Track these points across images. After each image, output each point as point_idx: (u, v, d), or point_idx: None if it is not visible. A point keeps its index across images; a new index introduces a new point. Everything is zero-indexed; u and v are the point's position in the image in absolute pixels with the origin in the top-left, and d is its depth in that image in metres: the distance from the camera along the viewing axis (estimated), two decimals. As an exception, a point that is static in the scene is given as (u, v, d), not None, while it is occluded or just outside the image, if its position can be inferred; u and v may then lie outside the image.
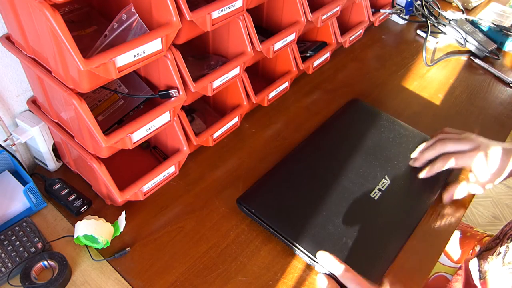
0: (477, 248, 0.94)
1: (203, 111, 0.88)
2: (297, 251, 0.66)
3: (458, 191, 0.73)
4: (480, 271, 0.75)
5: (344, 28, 1.09)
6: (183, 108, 0.72)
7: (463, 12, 1.26)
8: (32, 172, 0.77)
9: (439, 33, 1.21)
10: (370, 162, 0.77)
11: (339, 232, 0.66)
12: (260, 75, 0.99)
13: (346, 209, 0.69)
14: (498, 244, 0.73)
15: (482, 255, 0.76)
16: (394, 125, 0.86)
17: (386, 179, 0.75)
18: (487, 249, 0.75)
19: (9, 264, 0.62)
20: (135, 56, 0.55)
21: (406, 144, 0.82)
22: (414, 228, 0.70)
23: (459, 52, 1.17)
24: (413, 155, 0.78)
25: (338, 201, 0.70)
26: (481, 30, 1.18)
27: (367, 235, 0.67)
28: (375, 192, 0.73)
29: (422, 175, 0.74)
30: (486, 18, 1.26)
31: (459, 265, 0.94)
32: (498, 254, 0.71)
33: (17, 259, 0.63)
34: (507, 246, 0.70)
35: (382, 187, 0.74)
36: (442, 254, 0.97)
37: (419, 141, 0.81)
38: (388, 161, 0.78)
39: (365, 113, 0.89)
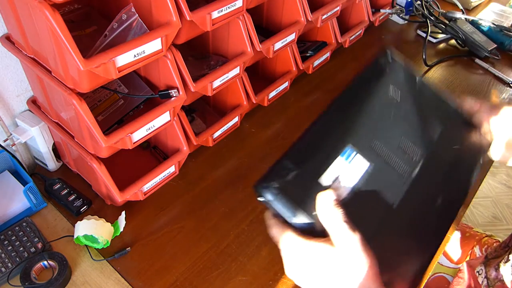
0: (476, 249, 0.94)
1: (203, 111, 0.88)
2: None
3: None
4: (487, 278, 0.74)
5: (344, 28, 1.09)
6: (183, 108, 0.72)
7: (463, 12, 1.26)
8: (32, 172, 0.77)
9: (439, 33, 1.21)
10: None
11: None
12: (260, 75, 0.99)
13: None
14: (507, 252, 0.72)
15: (489, 262, 0.75)
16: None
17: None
18: (495, 256, 0.74)
19: (9, 264, 0.62)
20: (135, 56, 0.55)
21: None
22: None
23: (459, 52, 1.17)
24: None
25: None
26: (481, 30, 1.18)
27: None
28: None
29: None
30: (486, 18, 1.26)
31: (458, 266, 0.94)
32: (506, 262, 0.71)
33: (17, 259, 0.63)
34: None
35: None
36: (442, 254, 0.97)
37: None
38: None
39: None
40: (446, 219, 0.60)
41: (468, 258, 0.93)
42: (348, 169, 0.56)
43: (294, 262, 0.47)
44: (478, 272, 0.77)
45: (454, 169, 0.64)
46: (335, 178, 0.55)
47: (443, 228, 0.60)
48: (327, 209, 0.48)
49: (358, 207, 0.54)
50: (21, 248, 0.64)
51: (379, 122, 0.64)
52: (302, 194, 0.52)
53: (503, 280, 0.70)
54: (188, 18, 0.59)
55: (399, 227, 0.56)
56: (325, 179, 0.54)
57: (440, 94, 0.71)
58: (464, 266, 0.89)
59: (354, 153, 0.58)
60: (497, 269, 0.71)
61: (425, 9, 1.20)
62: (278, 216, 0.52)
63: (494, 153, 0.67)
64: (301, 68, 0.94)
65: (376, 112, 0.65)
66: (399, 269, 0.53)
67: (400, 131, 0.64)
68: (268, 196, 0.52)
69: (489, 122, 0.67)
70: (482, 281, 0.75)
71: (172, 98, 0.66)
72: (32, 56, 0.60)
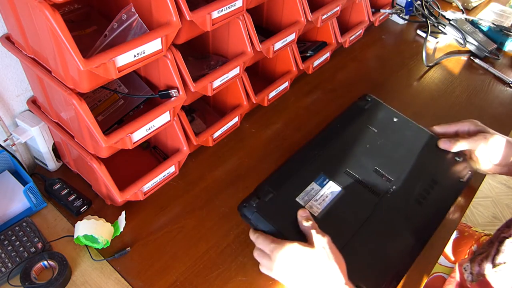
0: (475, 248, 0.94)
1: (203, 111, 0.88)
2: None
3: (458, 147, 0.76)
4: (471, 273, 0.75)
5: (344, 28, 1.09)
6: (183, 108, 0.72)
7: (463, 12, 1.26)
8: (32, 172, 0.77)
9: (439, 33, 1.21)
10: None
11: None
12: (260, 75, 0.99)
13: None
14: (491, 247, 0.73)
15: (475, 259, 0.76)
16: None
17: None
18: (481, 253, 0.75)
19: (9, 264, 0.62)
20: (135, 56, 0.55)
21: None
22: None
23: (459, 52, 1.17)
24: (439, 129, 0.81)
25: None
26: (481, 30, 1.18)
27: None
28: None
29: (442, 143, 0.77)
30: (486, 18, 1.26)
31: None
32: (488, 257, 0.72)
33: (17, 259, 0.63)
34: (497, 249, 0.71)
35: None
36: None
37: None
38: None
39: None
40: (423, 234, 0.67)
41: (466, 257, 0.93)
42: (321, 192, 0.67)
43: (282, 264, 0.57)
44: (464, 268, 0.78)
45: (432, 190, 0.72)
46: (309, 199, 0.67)
47: (421, 241, 0.66)
48: (302, 220, 0.61)
49: (332, 220, 0.65)
50: (21, 248, 0.64)
51: (355, 151, 0.75)
52: (278, 211, 0.65)
53: (484, 274, 0.70)
54: (188, 18, 0.59)
55: (372, 237, 0.64)
56: (301, 199, 0.67)
57: (417, 125, 0.81)
58: (456, 266, 0.89)
59: (327, 180, 0.70)
60: (480, 264, 0.72)
61: (425, 9, 1.20)
62: (258, 230, 0.64)
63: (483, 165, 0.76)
64: (301, 68, 0.94)
65: (353, 143, 0.77)
66: (369, 274, 0.60)
67: (377, 157, 0.74)
68: (248, 214, 0.65)
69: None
70: (467, 277, 0.76)
71: (172, 98, 0.66)
72: (32, 56, 0.60)
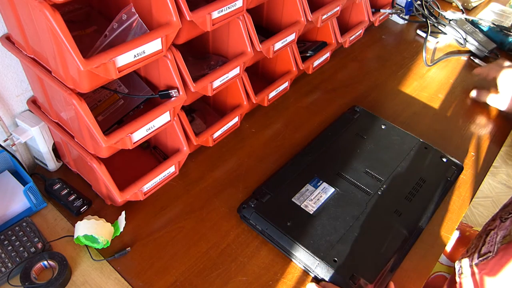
0: None
1: (203, 111, 0.88)
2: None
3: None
4: (461, 266, 0.76)
5: (344, 28, 1.09)
6: (183, 108, 0.72)
7: (463, 12, 1.26)
8: (32, 172, 0.77)
9: (439, 33, 1.21)
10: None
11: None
12: (260, 75, 0.99)
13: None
14: (480, 240, 0.75)
15: (466, 253, 0.77)
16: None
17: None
18: (472, 247, 0.77)
19: (9, 264, 0.62)
20: (135, 56, 0.55)
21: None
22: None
23: (459, 52, 1.17)
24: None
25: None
26: (481, 30, 1.18)
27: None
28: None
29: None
30: (486, 18, 1.26)
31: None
32: (476, 249, 0.73)
33: (17, 259, 0.63)
34: (484, 241, 0.72)
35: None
36: (442, 254, 0.97)
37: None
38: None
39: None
40: (414, 228, 0.70)
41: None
42: (315, 192, 0.72)
43: None
44: (456, 264, 0.79)
45: (420, 188, 0.76)
46: (304, 199, 0.71)
47: (413, 234, 0.69)
48: None
49: (326, 216, 0.68)
50: (21, 248, 0.64)
51: (346, 155, 0.80)
52: (275, 210, 0.69)
53: (472, 265, 0.73)
54: (188, 18, 0.59)
55: (366, 231, 0.68)
56: (296, 199, 0.71)
57: (404, 131, 0.86)
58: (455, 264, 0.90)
59: (321, 181, 0.74)
60: (470, 257, 0.75)
61: (425, 9, 1.20)
62: (255, 229, 0.69)
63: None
64: (301, 68, 0.94)
65: (344, 148, 0.82)
66: (365, 266, 0.63)
67: (367, 161, 0.79)
68: (246, 214, 0.69)
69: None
70: (458, 270, 0.77)
71: (172, 98, 0.66)
72: (32, 56, 0.60)
